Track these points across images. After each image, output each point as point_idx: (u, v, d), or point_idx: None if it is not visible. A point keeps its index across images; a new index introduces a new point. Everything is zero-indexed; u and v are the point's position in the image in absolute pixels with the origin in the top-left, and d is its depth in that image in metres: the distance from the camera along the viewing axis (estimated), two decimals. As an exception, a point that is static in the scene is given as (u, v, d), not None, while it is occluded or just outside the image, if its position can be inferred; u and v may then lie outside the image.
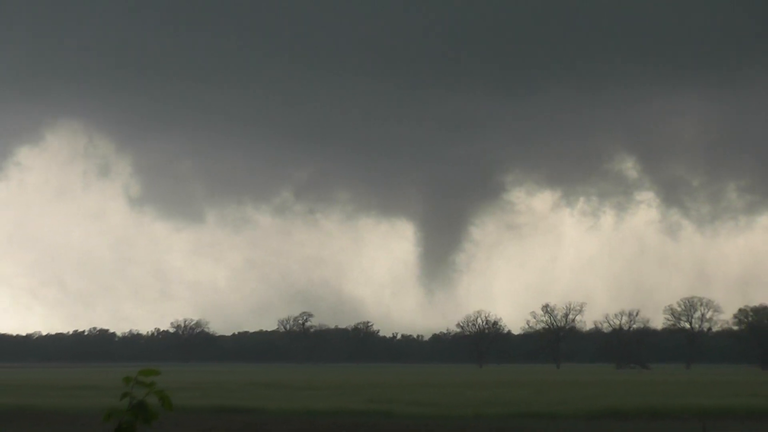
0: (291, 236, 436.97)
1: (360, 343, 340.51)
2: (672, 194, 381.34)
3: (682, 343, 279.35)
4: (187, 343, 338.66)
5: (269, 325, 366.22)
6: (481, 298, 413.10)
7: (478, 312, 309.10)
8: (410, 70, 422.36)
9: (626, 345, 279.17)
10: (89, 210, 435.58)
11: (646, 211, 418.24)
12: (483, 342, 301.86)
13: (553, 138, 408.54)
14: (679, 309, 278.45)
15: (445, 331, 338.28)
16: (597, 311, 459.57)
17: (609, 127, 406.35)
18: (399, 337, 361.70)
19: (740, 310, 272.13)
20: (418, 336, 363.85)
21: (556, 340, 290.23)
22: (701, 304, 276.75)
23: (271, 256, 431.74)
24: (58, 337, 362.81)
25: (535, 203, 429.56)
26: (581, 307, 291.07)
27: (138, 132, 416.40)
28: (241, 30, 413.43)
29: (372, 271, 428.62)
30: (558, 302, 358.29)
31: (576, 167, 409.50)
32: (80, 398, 76.99)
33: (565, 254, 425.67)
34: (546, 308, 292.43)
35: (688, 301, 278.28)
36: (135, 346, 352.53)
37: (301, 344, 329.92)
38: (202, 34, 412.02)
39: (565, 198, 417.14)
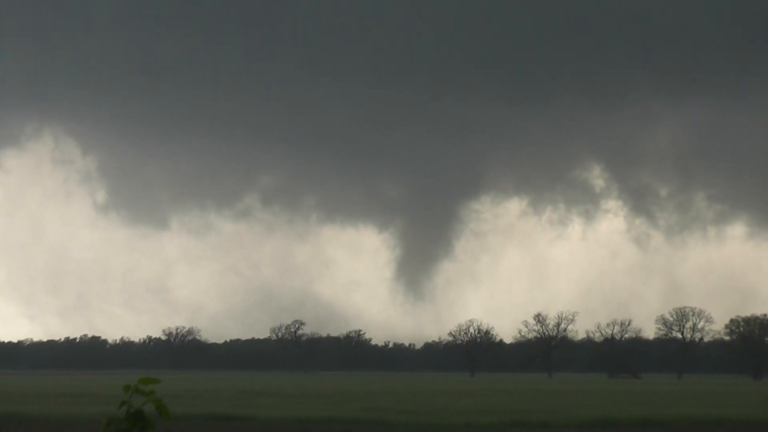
0: (267, 242, 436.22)
1: (352, 352, 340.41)
2: (640, 203, 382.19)
3: (674, 352, 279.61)
4: (179, 351, 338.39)
5: (261, 332, 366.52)
6: (461, 307, 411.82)
7: (471, 321, 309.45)
8: (390, 73, 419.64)
9: (618, 354, 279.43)
10: (72, 216, 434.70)
11: (616, 221, 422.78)
12: (475, 351, 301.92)
13: (523, 144, 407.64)
14: (670, 319, 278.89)
15: (437, 340, 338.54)
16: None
17: (577, 135, 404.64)
18: (391, 345, 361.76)
19: (732, 320, 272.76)
20: (410, 344, 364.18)
21: (548, 350, 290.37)
22: (693, 314, 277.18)
23: (251, 261, 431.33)
24: (50, 344, 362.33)
25: (514, 210, 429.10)
26: (573, 317, 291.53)
27: (105, 133, 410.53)
28: (216, 29, 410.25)
29: (350, 276, 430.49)
30: (531, 310, 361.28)
31: (548, 174, 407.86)
32: (72, 405, 76.88)
33: (541, 263, 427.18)
34: (538, 317, 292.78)
35: (680, 311, 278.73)
36: (127, 353, 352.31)
37: (293, 352, 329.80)
38: (173, 33, 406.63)
39: (533, 205, 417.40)
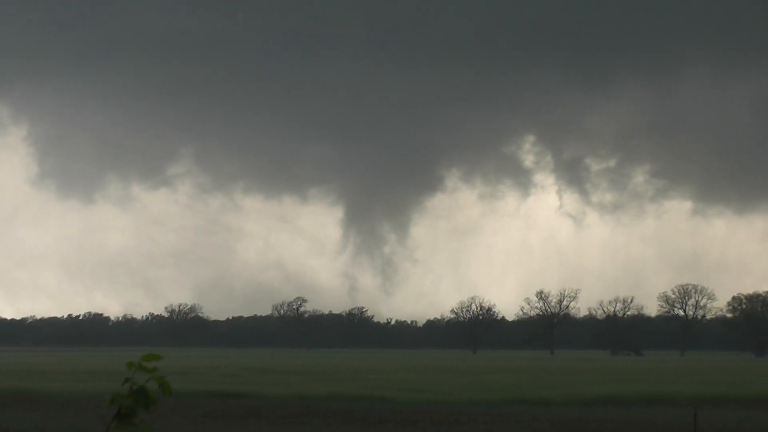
0: (229, 217, 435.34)
1: (354, 329, 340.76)
2: (574, 177, 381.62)
3: (677, 330, 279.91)
4: (181, 328, 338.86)
5: (263, 310, 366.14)
6: (424, 285, 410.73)
7: (472, 298, 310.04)
8: (330, 41, 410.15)
9: (621, 332, 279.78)
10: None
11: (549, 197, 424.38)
12: (477, 328, 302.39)
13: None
14: (673, 296, 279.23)
15: (439, 317, 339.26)
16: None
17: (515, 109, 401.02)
18: (393, 322, 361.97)
19: (734, 297, 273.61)
20: (412, 322, 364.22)
21: (551, 327, 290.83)
22: (695, 291, 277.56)
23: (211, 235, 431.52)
24: (53, 321, 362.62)
25: (459, 187, 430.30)
26: (576, 294, 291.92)
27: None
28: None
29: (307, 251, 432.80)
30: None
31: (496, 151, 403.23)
32: (76, 382, 77.03)
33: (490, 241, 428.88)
34: (540, 294, 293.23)
35: (683, 288, 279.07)
36: (129, 330, 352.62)
37: (295, 329, 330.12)
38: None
39: (464, 178, 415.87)
